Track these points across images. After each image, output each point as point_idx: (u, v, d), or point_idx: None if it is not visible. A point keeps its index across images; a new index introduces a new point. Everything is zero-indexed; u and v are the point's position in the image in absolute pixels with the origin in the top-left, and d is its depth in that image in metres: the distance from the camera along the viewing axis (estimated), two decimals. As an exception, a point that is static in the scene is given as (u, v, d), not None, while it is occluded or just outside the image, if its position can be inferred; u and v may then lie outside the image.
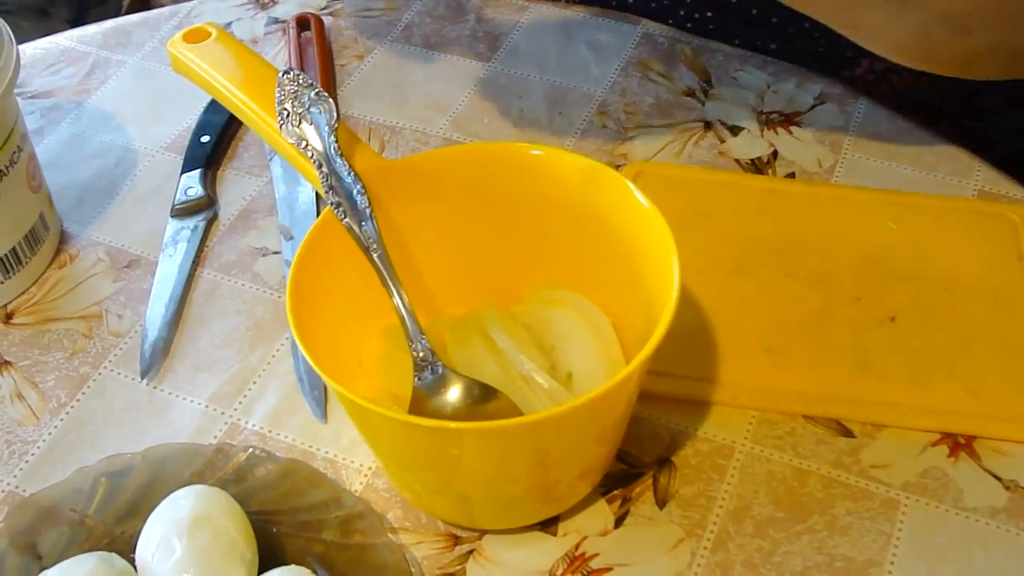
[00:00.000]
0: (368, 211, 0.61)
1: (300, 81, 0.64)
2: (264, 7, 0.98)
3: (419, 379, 0.61)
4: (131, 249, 0.79)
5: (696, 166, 0.81)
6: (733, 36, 0.91)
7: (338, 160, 0.62)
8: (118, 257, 0.79)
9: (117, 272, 0.78)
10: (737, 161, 0.82)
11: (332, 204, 0.61)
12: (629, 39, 0.92)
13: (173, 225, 0.79)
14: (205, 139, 0.84)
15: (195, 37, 0.69)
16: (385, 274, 0.61)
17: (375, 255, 0.61)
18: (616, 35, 0.93)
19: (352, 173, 0.62)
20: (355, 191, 0.61)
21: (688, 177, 0.79)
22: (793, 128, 0.84)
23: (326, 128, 0.63)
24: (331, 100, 0.63)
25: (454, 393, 0.61)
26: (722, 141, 0.83)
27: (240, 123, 0.87)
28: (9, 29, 0.73)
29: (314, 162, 0.62)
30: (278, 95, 0.64)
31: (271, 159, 0.83)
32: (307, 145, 0.63)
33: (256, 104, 0.65)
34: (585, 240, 0.65)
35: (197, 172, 0.82)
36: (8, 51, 0.71)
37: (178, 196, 0.81)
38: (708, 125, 0.85)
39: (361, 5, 0.97)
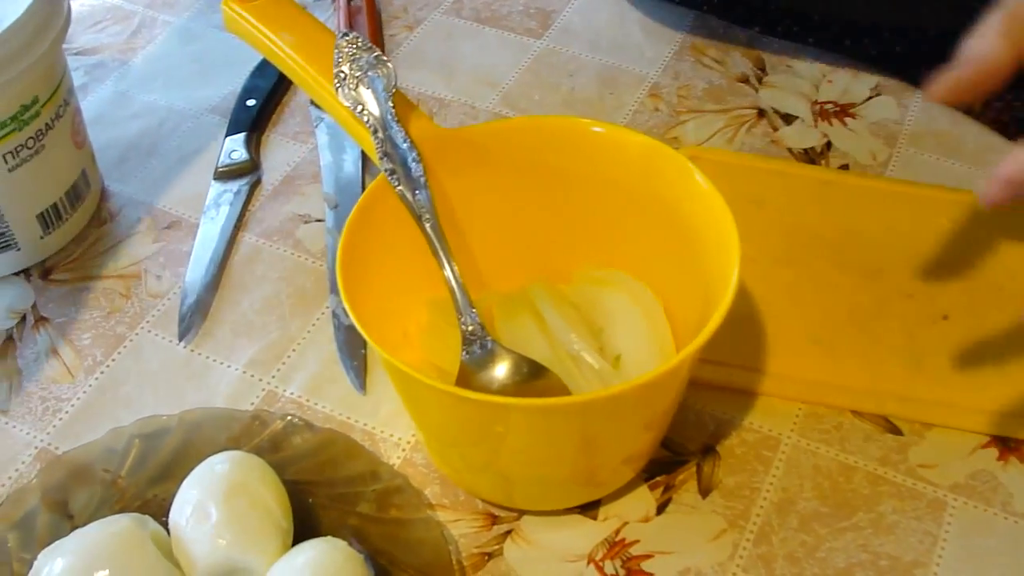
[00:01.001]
0: (422, 179, 0.60)
1: (359, 44, 0.63)
2: (314, -27, 0.97)
3: (467, 353, 0.60)
4: (172, 210, 0.79)
5: (749, 153, 0.80)
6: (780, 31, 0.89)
7: (394, 126, 0.61)
8: (159, 217, 0.78)
9: (157, 232, 0.77)
10: (790, 150, 0.81)
11: (386, 170, 0.60)
12: (683, 22, 0.91)
13: (216, 187, 0.79)
14: (251, 103, 0.83)
15: (251, -4, 0.68)
16: (437, 244, 0.60)
17: (427, 224, 0.60)
18: (670, 17, 0.92)
19: (408, 140, 0.61)
20: (410, 158, 0.60)
21: (740, 164, 0.77)
22: (847, 119, 0.83)
23: (383, 93, 0.62)
24: (389, 65, 0.62)
25: (502, 369, 0.60)
26: (775, 129, 0.82)
27: (286, 88, 0.86)
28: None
29: (369, 127, 0.61)
30: (336, 57, 0.63)
31: (316, 126, 0.82)
32: (363, 110, 0.61)
33: (310, 66, 0.64)
34: (640, 220, 0.64)
35: (242, 136, 0.81)
36: (59, 2, 0.70)
37: (222, 159, 0.80)
38: (761, 113, 0.83)
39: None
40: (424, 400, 0.58)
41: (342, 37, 0.63)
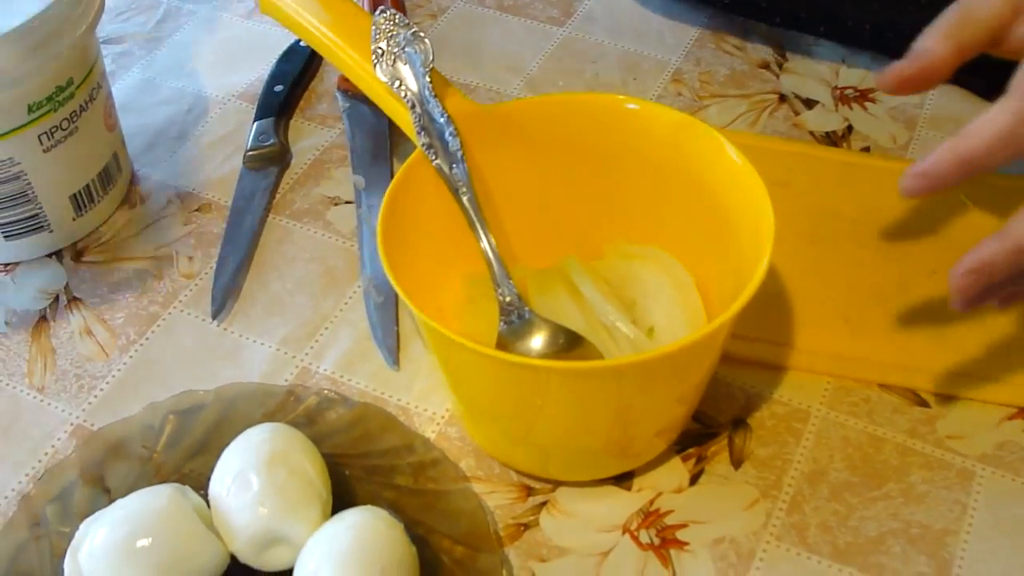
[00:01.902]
0: (459, 154, 0.61)
1: (396, 21, 0.64)
2: (337, -37, 0.98)
3: (505, 324, 0.61)
4: (202, 193, 0.79)
5: (771, 136, 0.81)
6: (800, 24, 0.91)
7: (432, 101, 0.62)
8: (189, 200, 0.79)
9: (188, 215, 0.78)
10: (812, 134, 0.82)
11: (423, 145, 0.61)
12: (704, 10, 0.92)
13: (245, 171, 0.79)
14: (279, 88, 0.84)
15: (283, -24, 0.69)
16: (474, 216, 0.61)
17: (464, 197, 0.61)
18: (690, 5, 0.93)
19: (445, 115, 0.62)
20: (447, 132, 0.61)
21: (764, 147, 0.78)
22: (867, 104, 0.84)
23: (420, 69, 0.63)
24: (427, 41, 0.63)
25: (539, 339, 0.61)
26: (797, 114, 0.83)
27: (314, 73, 0.87)
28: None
29: (407, 102, 0.62)
30: (373, 34, 0.63)
31: (344, 111, 0.83)
32: (400, 85, 0.62)
33: (346, 44, 0.65)
34: (672, 195, 0.65)
35: (270, 120, 0.82)
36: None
37: (250, 143, 0.81)
38: (783, 97, 0.84)
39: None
40: (464, 366, 0.59)
41: (379, 14, 0.64)
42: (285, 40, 0.89)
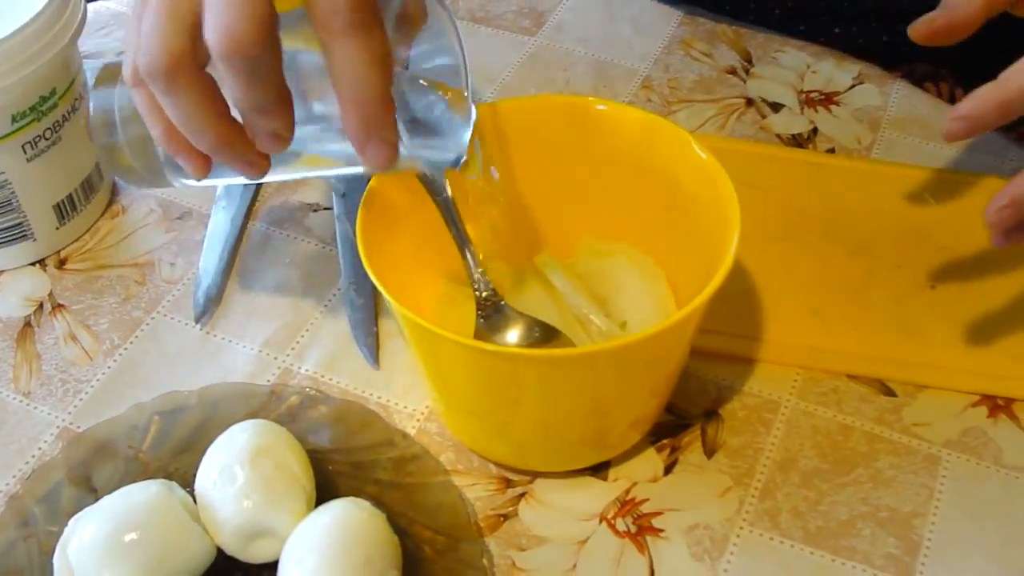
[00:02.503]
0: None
1: None
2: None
3: (482, 318, 0.63)
4: (183, 201, 0.81)
5: (739, 139, 0.83)
6: (770, 23, 0.93)
7: None
8: (170, 209, 0.80)
9: (169, 223, 0.79)
10: (778, 136, 0.84)
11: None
12: (671, 18, 0.94)
13: (225, 179, 0.81)
14: (257, 98, 0.86)
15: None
16: (450, 215, 0.62)
17: (439, 197, 0.62)
18: (658, 14, 0.95)
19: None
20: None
21: (732, 149, 0.80)
22: (832, 107, 0.86)
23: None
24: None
25: (515, 332, 0.62)
26: (763, 117, 0.85)
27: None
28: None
29: None
30: None
31: (321, 120, 0.85)
32: None
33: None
34: (641, 193, 0.66)
35: (249, 130, 0.83)
36: (75, 1, 0.73)
37: (230, 152, 0.82)
38: (750, 102, 0.86)
39: None
40: (442, 358, 0.60)
41: None
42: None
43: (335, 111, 0.52)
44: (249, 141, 0.53)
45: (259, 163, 0.55)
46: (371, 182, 0.62)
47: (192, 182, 0.61)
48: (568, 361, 0.56)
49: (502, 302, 0.63)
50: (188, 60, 0.50)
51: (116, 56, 0.91)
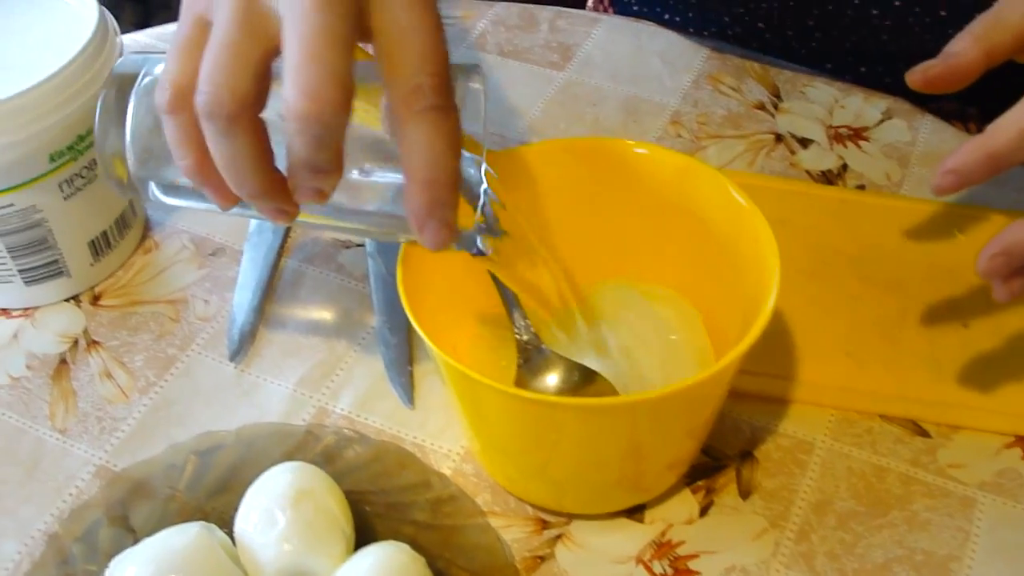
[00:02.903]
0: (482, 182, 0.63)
1: None
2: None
3: (523, 361, 0.63)
4: (215, 238, 0.81)
5: (769, 175, 0.83)
6: (796, 61, 0.93)
7: None
8: (203, 245, 0.81)
9: (202, 259, 0.80)
10: (808, 172, 0.84)
11: None
12: (699, 53, 0.95)
13: (258, 216, 0.81)
14: (288, 134, 0.86)
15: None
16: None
17: (474, 249, 0.63)
18: (686, 49, 0.95)
19: None
20: (469, 164, 0.63)
21: (763, 186, 0.81)
22: (861, 142, 0.86)
23: None
24: None
25: (555, 376, 0.63)
26: (793, 153, 0.85)
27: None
28: (114, 20, 0.75)
29: None
30: None
31: (352, 156, 0.85)
32: None
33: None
34: (678, 236, 0.67)
35: (280, 166, 0.84)
36: (112, 40, 0.73)
37: (262, 188, 0.83)
38: (779, 138, 0.87)
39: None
40: (483, 403, 0.60)
41: None
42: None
43: (380, 179, 0.52)
44: (287, 192, 0.53)
45: (291, 213, 0.55)
46: None
47: (178, 202, 0.61)
48: (609, 410, 0.57)
49: (542, 345, 0.63)
50: (251, 105, 0.49)
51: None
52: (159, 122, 0.54)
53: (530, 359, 0.63)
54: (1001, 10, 0.64)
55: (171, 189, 0.60)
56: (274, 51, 0.49)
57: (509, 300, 0.63)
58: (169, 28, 1.00)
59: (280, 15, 0.48)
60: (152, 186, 0.61)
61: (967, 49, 0.63)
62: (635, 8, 1.01)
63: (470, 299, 0.66)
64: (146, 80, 0.58)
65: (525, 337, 0.63)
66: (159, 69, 0.58)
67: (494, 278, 0.63)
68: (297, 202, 0.53)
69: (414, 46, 0.50)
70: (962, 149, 0.61)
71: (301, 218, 0.56)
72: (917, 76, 0.65)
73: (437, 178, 0.50)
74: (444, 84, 0.49)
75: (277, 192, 0.53)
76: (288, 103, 0.47)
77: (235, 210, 0.57)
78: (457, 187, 0.51)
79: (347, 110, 0.48)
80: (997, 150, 0.60)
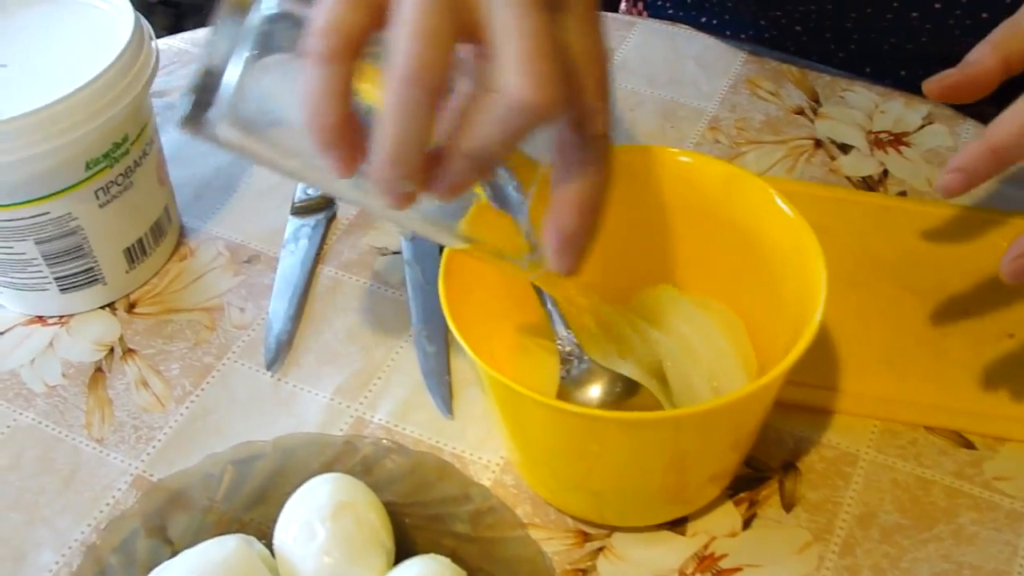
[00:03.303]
0: (524, 206, 0.62)
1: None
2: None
3: (565, 372, 0.62)
4: (251, 244, 0.81)
5: (809, 182, 0.83)
6: (835, 64, 0.92)
7: None
8: (238, 252, 0.80)
9: (238, 266, 0.79)
10: (848, 179, 0.83)
11: (488, 197, 0.63)
12: (736, 57, 0.94)
13: (293, 222, 0.81)
14: (324, 140, 0.86)
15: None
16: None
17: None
18: (723, 53, 0.95)
19: (509, 168, 0.63)
20: (511, 186, 0.63)
21: (803, 192, 0.80)
22: (902, 148, 0.85)
23: None
24: None
25: (598, 387, 0.62)
26: (833, 159, 0.84)
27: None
28: (150, 27, 0.74)
29: None
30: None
31: (388, 162, 0.84)
32: None
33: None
34: (722, 245, 0.66)
35: (316, 171, 0.83)
36: (148, 47, 0.73)
37: (298, 194, 0.82)
38: (818, 143, 0.86)
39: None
40: (525, 416, 0.60)
41: None
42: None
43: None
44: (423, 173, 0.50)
45: (410, 199, 0.52)
46: None
47: (248, 143, 0.54)
48: (653, 424, 0.56)
49: (586, 356, 0.63)
50: (443, 78, 0.47)
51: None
52: (280, 63, 0.51)
53: (572, 370, 0.62)
54: (1020, 18, 0.63)
55: (250, 130, 0.53)
56: (463, 38, 0.48)
57: (551, 310, 0.63)
58: (201, 33, 0.99)
59: (487, 6, 0.47)
60: (226, 123, 0.53)
61: (984, 57, 0.63)
62: (670, 12, 1.01)
63: (509, 307, 0.66)
64: (270, 12, 0.52)
65: (568, 348, 0.62)
66: (290, 7, 0.52)
67: (536, 288, 0.63)
68: (436, 189, 0.51)
69: (594, 73, 0.51)
70: (966, 147, 0.61)
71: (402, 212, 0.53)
72: (933, 85, 0.64)
73: (577, 226, 0.53)
74: (610, 115, 0.52)
75: (422, 173, 0.50)
76: (511, 90, 0.46)
77: (338, 185, 0.54)
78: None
79: (563, 113, 0.49)
80: (1000, 144, 0.60)
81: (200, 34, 0.99)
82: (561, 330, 0.62)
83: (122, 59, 0.70)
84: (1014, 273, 0.61)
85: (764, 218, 0.63)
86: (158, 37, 0.99)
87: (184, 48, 0.98)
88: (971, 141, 0.61)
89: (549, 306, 0.62)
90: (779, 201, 0.62)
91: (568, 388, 0.62)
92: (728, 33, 0.96)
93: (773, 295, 0.63)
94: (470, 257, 0.60)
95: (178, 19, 1.36)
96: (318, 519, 0.59)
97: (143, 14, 0.76)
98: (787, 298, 0.62)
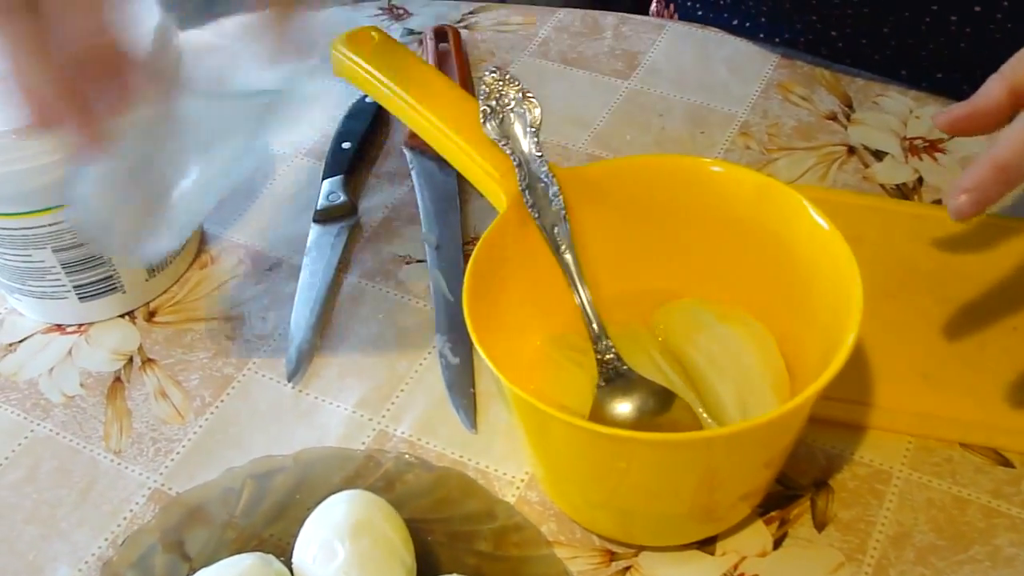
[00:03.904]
0: (563, 213, 0.62)
1: (505, 80, 0.65)
2: (399, 18, 0.98)
3: (604, 381, 0.61)
4: (272, 252, 0.80)
5: (842, 190, 0.81)
6: (870, 68, 0.91)
7: (538, 160, 0.63)
8: (259, 260, 0.79)
9: (259, 275, 0.78)
10: (882, 186, 0.81)
11: (528, 204, 0.62)
12: (768, 61, 0.92)
13: (316, 230, 0.80)
14: (346, 145, 0.85)
15: (358, 40, 0.70)
16: (575, 275, 0.62)
17: (567, 256, 0.62)
18: (754, 57, 0.93)
19: (551, 175, 0.62)
20: (551, 192, 0.62)
21: (836, 200, 0.78)
22: (937, 154, 0.83)
23: (529, 129, 0.64)
24: (535, 100, 0.65)
25: (637, 396, 0.61)
26: (866, 166, 0.83)
27: (381, 130, 0.87)
28: (177, 31, 0.73)
29: (514, 160, 0.63)
30: (482, 92, 0.65)
31: (412, 168, 0.83)
32: (507, 143, 0.64)
33: (422, 106, 0.66)
34: (755, 256, 0.65)
35: (339, 178, 0.82)
36: (175, 54, 0.72)
37: (320, 202, 0.81)
38: (852, 150, 0.84)
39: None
40: (551, 434, 0.59)
41: (489, 74, 0.66)
42: (350, 97, 0.89)
43: None
44: None
45: None
46: (482, 240, 0.62)
47: None
48: (683, 445, 0.55)
49: (624, 365, 0.61)
50: None
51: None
52: None
53: (610, 379, 0.61)
54: None
55: None
56: None
57: (591, 316, 0.62)
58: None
59: None
60: None
61: (992, 90, 0.62)
62: (700, 13, 0.99)
63: (536, 317, 0.65)
64: None
65: (606, 356, 0.61)
66: None
67: (576, 288, 0.62)
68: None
69: None
70: (970, 167, 0.60)
71: None
72: (941, 119, 0.63)
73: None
74: None
75: None
76: None
77: None
78: None
79: None
80: (1005, 161, 0.58)
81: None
82: (598, 337, 0.62)
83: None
84: (958, 211, 0.60)
85: (797, 230, 0.62)
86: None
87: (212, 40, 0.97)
88: (975, 160, 0.60)
89: (589, 313, 0.62)
90: (812, 211, 0.61)
91: (604, 399, 0.61)
92: (762, 36, 0.95)
93: (805, 309, 0.62)
94: None
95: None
96: (337, 538, 0.58)
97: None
98: (820, 312, 0.60)
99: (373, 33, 0.70)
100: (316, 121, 0.89)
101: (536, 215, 0.62)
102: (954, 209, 0.60)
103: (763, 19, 0.94)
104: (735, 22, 0.96)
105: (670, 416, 0.61)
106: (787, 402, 0.55)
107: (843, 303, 0.57)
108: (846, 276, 0.58)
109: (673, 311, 0.67)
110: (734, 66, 0.92)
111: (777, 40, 0.94)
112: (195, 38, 0.92)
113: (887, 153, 0.84)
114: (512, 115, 0.64)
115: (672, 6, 1.02)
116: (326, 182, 0.82)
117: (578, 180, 0.65)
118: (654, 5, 1.07)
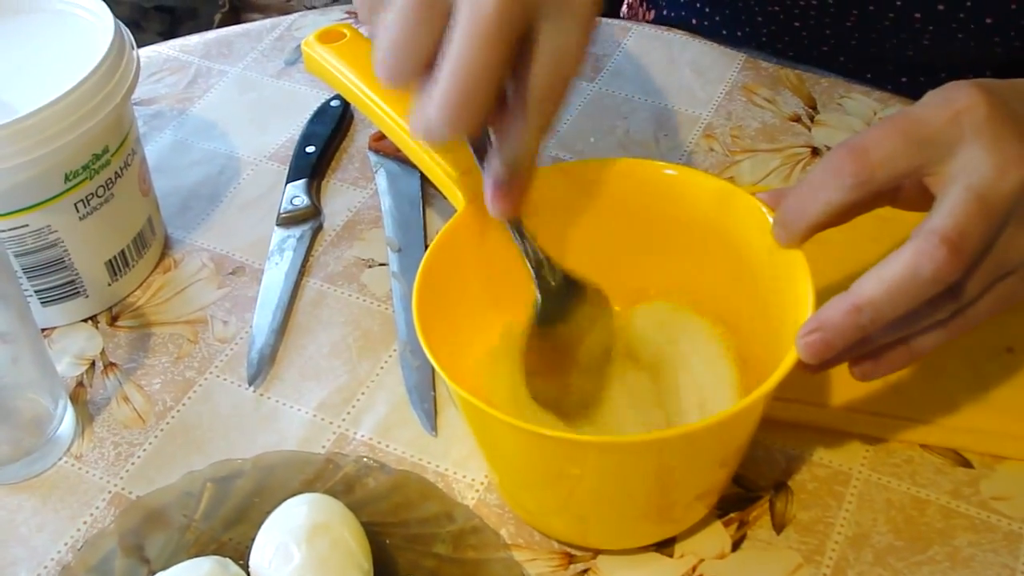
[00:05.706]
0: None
1: None
2: (366, 21, 0.98)
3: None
4: (235, 256, 0.80)
5: (805, 191, 0.81)
6: (835, 69, 0.91)
7: None
8: (222, 263, 0.79)
9: (222, 279, 0.78)
10: (845, 188, 0.81)
11: None
12: (733, 62, 0.92)
13: (279, 234, 0.80)
14: (310, 149, 0.84)
15: (330, 38, 0.70)
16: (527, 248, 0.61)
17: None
18: (719, 59, 0.93)
19: None
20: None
21: (798, 202, 0.78)
22: (901, 157, 0.83)
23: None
24: None
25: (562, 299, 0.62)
26: (830, 167, 0.83)
27: (345, 134, 0.88)
28: (131, 35, 0.73)
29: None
30: None
31: (376, 171, 0.83)
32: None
33: (389, 105, 0.66)
34: (713, 260, 0.65)
35: (302, 182, 0.82)
36: (129, 56, 0.72)
37: (283, 205, 0.81)
38: (816, 151, 0.84)
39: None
40: (500, 437, 0.59)
41: None
42: (315, 99, 0.89)
43: None
44: None
45: None
46: (435, 241, 0.61)
47: None
48: (634, 448, 0.55)
49: (556, 267, 0.62)
50: None
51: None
52: None
53: (546, 284, 0.62)
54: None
55: None
56: None
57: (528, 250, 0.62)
58: (193, 39, 0.98)
59: None
60: None
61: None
62: (665, 12, 0.99)
63: (490, 309, 0.65)
64: None
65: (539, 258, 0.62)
66: None
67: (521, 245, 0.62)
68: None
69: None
70: (828, 304, 0.56)
71: None
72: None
73: None
74: None
75: None
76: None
77: None
78: None
79: None
80: (864, 301, 0.55)
81: (192, 40, 0.98)
82: (531, 251, 0.61)
83: (101, 69, 0.69)
84: (809, 353, 0.55)
85: (755, 233, 0.61)
86: (151, 43, 0.99)
87: (173, 55, 0.96)
88: (835, 297, 0.56)
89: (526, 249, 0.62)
90: (769, 217, 0.61)
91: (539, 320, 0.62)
92: (724, 32, 0.95)
93: (763, 311, 0.62)
94: None
95: (173, 24, 1.35)
96: (294, 541, 0.58)
97: (137, 19, 0.75)
98: (776, 314, 0.60)
99: (344, 31, 0.70)
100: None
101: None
102: (802, 348, 0.55)
103: (728, 11, 0.94)
104: (694, 21, 0.96)
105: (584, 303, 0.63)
106: (747, 403, 0.55)
107: (794, 305, 0.58)
108: (798, 279, 0.58)
109: (637, 312, 0.67)
110: (699, 68, 0.92)
111: (740, 34, 0.94)
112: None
113: (851, 155, 0.84)
114: None
115: (647, 4, 1.02)
116: (290, 186, 0.82)
117: (540, 182, 0.64)
118: (625, 7, 1.07)
